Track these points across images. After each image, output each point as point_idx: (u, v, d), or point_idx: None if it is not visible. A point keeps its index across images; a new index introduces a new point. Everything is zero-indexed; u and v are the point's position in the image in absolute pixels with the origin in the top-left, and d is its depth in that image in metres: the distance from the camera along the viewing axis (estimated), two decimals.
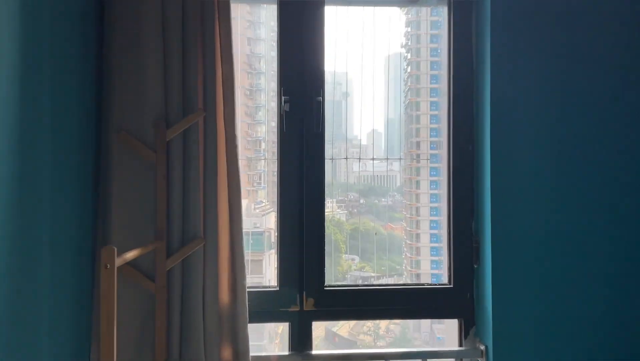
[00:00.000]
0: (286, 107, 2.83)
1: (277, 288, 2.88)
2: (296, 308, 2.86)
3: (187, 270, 2.56)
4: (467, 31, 2.93)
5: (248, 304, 2.61)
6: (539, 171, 2.73)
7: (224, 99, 2.60)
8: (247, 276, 2.59)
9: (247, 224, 6.56)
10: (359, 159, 3.87)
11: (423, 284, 2.98)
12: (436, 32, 7.18)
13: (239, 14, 5.54)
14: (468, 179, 2.89)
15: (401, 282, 3.51)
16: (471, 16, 2.89)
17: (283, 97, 2.81)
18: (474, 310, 2.88)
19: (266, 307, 2.82)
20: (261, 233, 9.37)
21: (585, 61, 2.71)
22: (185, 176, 2.56)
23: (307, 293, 2.87)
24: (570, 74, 2.70)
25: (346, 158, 3.30)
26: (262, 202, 8.30)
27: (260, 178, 8.96)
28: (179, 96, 2.55)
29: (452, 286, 2.91)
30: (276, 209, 2.98)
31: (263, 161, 8.78)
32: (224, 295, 2.62)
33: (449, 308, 2.91)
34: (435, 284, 2.98)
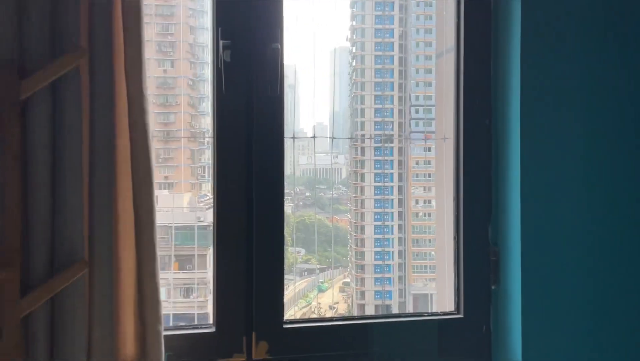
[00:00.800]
0: (226, 57, 1.45)
1: (213, 329, 1.49)
2: (241, 358, 1.48)
3: (59, 315, 1.18)
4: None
5: (168, 356, 1.24)
6: (587, 158, 1.45)
7: (124, 36, 1.22)
8: (160, 298, 1.24)
9: (191, 218, 5.45)
10: (332, 138, 2.66)
11: (422, 315, 1.65)
12: (380, 26, 6.01)
13: (181, 2, 4.47)
14: (483, 166, 1.58)
15: (393, 312, 2.20)
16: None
17: (222, 42, 1.43)
18: (491, 349, 1.58)
19: (197, 358, 1.44)
20: (205, 228, 7.91)
21: (625, 50, 1.46)
22: (58, 158, 1.18)
23: (258, 333, 1.49)
24: (614, 62, 1.45)
25: (313, 137, 1.97)
26: (207, 195, 7.04)
27: (204, 171, 7.60)
28: (43, 25, 1.16)
29: (461, 316, 1.60)
30: (213, 208, 1.58)
31: (207, 152, 7.40)
32: (128, 348, 1.24)
33: (457, 346, 1.59)
34: (439, 314, 1.65)
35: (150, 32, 6.38)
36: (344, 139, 5.50)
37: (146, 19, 5.09)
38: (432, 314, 1.60)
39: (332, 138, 2.30)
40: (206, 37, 6.85)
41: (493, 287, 1.58)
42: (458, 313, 1.59)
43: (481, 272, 1.56)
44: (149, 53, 5.83)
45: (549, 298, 1.50)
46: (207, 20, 6.76)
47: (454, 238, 1.61)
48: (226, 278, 1.44)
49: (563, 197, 1.50)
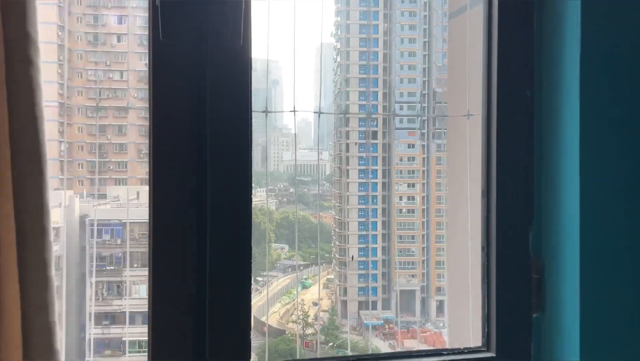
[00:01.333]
0: None
1: None
2: None
3: None
4: None
5: None
6: None
7: None
8: None
9: None
10: (321, 113, 2.10)
11: (440, 353, 1.11)
12: (365, 22, 5.44)
13: None
14: (523, 152, 1.06)
15: (402, 350, 1.68)
16: None
17: None
18: None
19: None
20: None
21: None
22: None
23: None
24: None
25: (294, 111, 1.29)
26: None
27: None
28: None
29: (493, 354, 1.07)
30: (149, 205, 1.01)
31: None
32: None
33: None
34: (462, 352, 1.12)
35: (132, 26, 5.58)
36: (328, 134, 5.00)
37: (127, 11, 4.33)
38: (453, 352, 1.08)
39: (319, 113, 1.74)
40: None
41: (535, 315, 1.07)
42: (488, 350, 1.06)
43: (519, 294, 1.05)
44: (132, 46, 5.08)
45: (618, 332, 0.99)
46: None
47: (483, 248, 1.09)
48: (167, 303, 0.89)
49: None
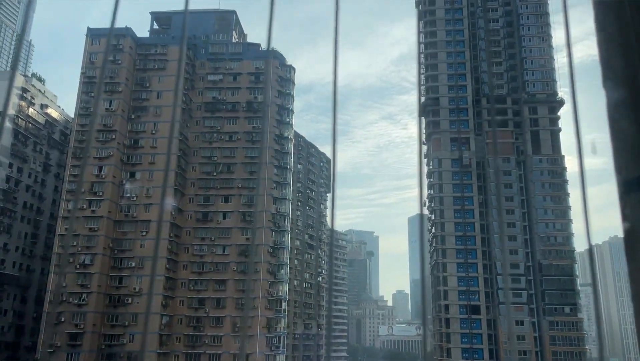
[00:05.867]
0: None
1: None
2: None
3: None
4: None
5: None
6: None
7: None
8: None
9: None
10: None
11: None
12: (458, 194, 5.50)
13: (266, 175, 4.33)
14: None
15: None
16: None
17: None
18: None
19: None
20: None
21: None
22: None
23: None
24: None
25: None
26: None
27: (279, 341, 7.12)
28: None
29: None
30: None
31: (283, 321, 6.81)
32: None
33: None
34: None
35: (236, 204, 6.13)
36: (426, 307, 4.79)
37: (233, 191, 4.76)
38: None
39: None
40: (287, 206, 6.91)
41: None
42: None
43: None
44: (234, 222, 5.50)
45: None
46: (289, 191, 6.83)
47: None
48: None
49: None
